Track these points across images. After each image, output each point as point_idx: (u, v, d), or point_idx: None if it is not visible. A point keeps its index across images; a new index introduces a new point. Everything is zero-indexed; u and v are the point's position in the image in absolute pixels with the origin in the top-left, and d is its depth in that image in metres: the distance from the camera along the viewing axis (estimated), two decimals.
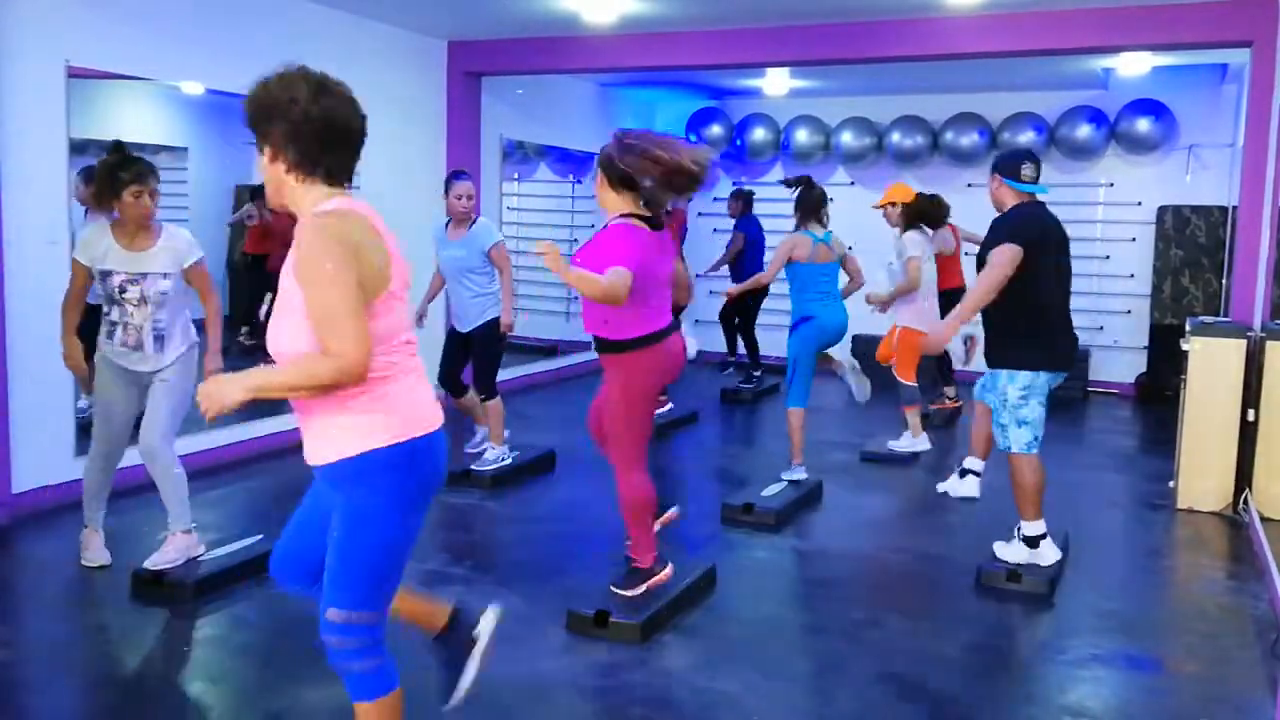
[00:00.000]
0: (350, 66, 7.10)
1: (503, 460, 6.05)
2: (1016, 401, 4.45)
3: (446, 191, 5.91)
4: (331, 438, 2.36)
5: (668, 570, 4.18)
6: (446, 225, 6.00)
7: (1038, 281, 4.39)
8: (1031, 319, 4.44)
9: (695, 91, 10.68)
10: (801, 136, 10.47)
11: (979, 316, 4.57)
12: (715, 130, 10.78)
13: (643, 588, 4.07)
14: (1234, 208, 7.43)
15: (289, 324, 2.31)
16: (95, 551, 4.50)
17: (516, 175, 10.09)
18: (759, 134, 10.66)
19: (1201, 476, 5.73)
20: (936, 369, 7.91)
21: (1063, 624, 4.25)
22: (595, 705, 3.41)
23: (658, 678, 3.56)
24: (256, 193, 8.09)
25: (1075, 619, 4.31)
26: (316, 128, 2.31)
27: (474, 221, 5.91)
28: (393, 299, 2.36)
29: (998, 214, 4.56)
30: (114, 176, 4.13)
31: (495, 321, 5.89)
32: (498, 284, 5.89)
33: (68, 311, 4.31)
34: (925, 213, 6.89)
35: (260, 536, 4.64)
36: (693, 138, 10.89)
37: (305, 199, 2.37)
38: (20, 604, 4.29)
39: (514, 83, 8.83)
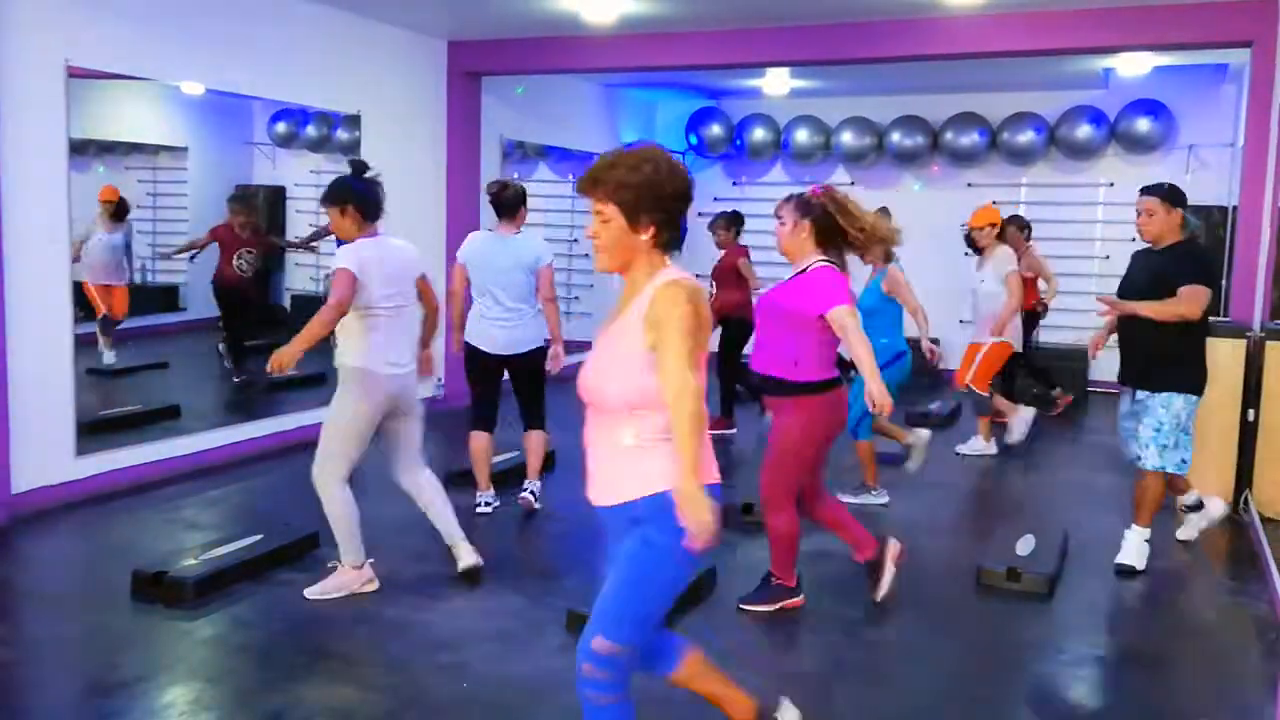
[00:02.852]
0: (350, 66, 7.26)
1: None
2: (1186, 422, 4.56)
3: None
4: (642, 474, 2.45)
5: (799, 600, 4.27)
6: None
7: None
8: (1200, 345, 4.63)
9: (695, 92, 10.68)
10: (801, 136, 10.48)
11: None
12: (715, 130, 10.77)
13: (776, 605, 4.20)
14: (1234, 208, 7.42)
15: (624, 371, 2.43)
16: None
17: (517, 175, 10.08)
18: (759, 134, 10.66)
19: (1201, 477, 5.71)
20: (1033, 377, 8.37)
21: (1062, 623, 4.25)
22: None
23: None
24: (250, 199, 8.07)
25: (1074, 618, 4.31)
26: (682, 207, 2.51)
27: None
28: None
29: (1153, 242, 4.61)
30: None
31: None
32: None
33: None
34: (1005, 232, 7.24)
35: (260, 536, 4.64)
36: (692, 139, 10.90)
37: (653, 266, 2.50)
38: (20, 604, 4.29)
39: (514, 82, 8.83)
